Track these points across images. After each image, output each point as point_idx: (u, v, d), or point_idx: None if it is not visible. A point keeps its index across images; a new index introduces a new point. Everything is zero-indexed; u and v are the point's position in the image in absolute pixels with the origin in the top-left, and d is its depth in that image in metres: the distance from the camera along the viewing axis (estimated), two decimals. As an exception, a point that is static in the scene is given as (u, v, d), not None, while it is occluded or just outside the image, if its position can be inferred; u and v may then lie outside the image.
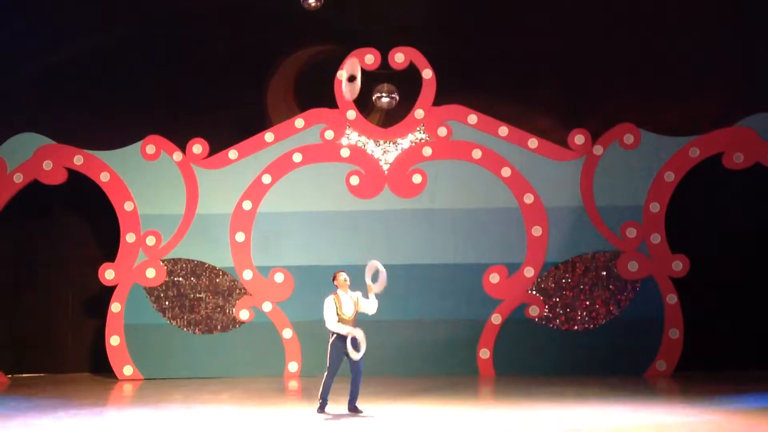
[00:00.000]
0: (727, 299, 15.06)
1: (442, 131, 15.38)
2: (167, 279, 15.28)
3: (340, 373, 11.09)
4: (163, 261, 15.32)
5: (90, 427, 10.57)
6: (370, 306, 11.19)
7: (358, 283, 11.33)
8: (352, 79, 13.80)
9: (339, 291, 11.13)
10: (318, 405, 11.06)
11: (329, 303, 11.04)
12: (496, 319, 15.02)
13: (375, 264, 11.25)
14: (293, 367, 15.19)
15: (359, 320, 11.19)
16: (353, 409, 11.08)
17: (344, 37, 15.59)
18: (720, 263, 15.02)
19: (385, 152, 15.42)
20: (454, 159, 15.34)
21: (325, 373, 11.04)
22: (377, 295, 11.22)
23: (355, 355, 10.89)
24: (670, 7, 15.06)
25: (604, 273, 14.95)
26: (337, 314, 10.99)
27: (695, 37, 14.98)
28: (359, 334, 10.98)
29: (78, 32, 15.48)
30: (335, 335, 11.02)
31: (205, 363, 15.19)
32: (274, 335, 15.23)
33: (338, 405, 11.26)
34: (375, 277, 11.23)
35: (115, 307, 15.20)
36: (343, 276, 11.18)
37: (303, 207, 15.39)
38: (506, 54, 15.42)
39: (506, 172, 15.23)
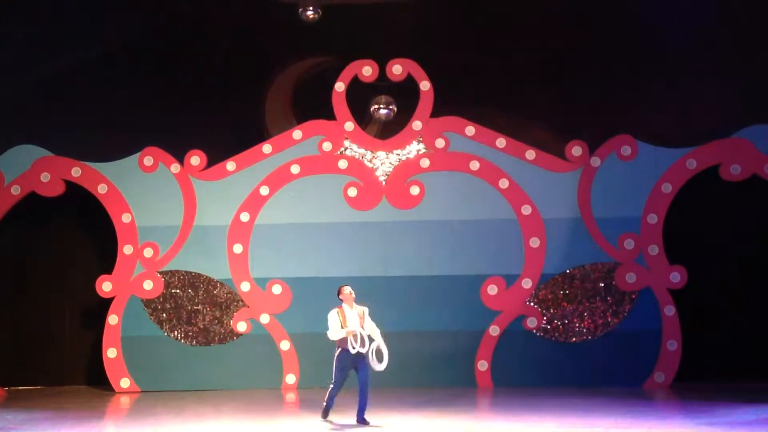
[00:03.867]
0: (725, 311, 15.06)
1: (440, 143, 15.40)
2: (164, 291, 15.25)
3: (346, 385, 11.23)
4: (160, 273, 15.29)
5: (87, 440, 10.54)
6: (374, 332, 11.11)
7: (361, 298, 11.42)
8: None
9: (344, 305, 11.11)
10: (323, 409, 11.21)
11: (333, 316, 11.06)
12: (494, 330, 15.00)
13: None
14: (291, 379, 15.15)
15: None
16: (362, 421, 11.06)
17: (342, 49, 15.62)
18: (718, 275, 15.02)
19: (383, 164, 15.44)
20: (452, 170, 15.35)
21: (331, 386, 11.10)
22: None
23: (379, 366, 10.91)
24: (668, 19, 15.09)
25: (602, 284, 14.94)
26: (342, 328, 10.98)
27: (693, 49, 15.01)
28: (362, 334, 10.92)
29: (76, 44, 15.50)
30: (340, 349, 11.01)
31: (203, 375, 15.15)
32: (271, 347, 15.19)
33: (343, 416, 11.33)
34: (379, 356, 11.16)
35: (112, 319, 15.17)
36: (347, 290, 11.14)
37: (301, 218, 15.38)
38: (504, 66, 15.46)
39: (504, 183, 15.24)
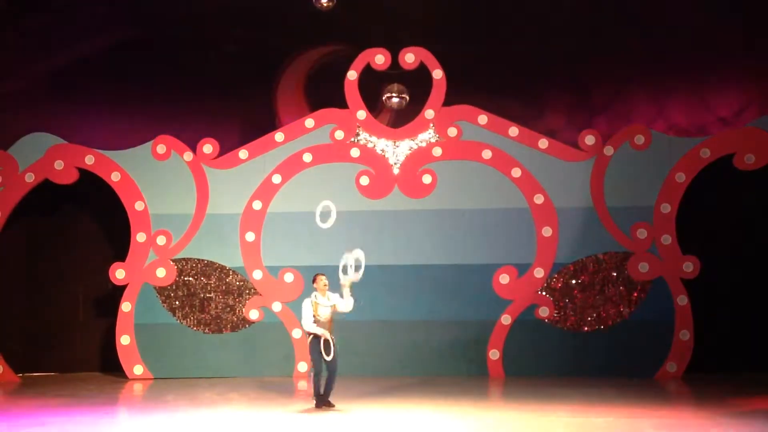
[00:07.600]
0: (737, 301, 15.00)
1: (453, 131, 15.37)
2: (177, 278, 15.31)
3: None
4: (173, 260, 15.35)
5: (100, 427, 10.59)
6: (345, 305, 11.55)
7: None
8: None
9: (317, 294, 11.52)
10: (314, 402, 11.50)
11: (307, 305, 11.48)
12: (506, 320, 15.00)
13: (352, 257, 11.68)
14: (303, 367, 15.20)
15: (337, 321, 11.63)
16: (327, 403, 11.43)
17: (355, 37, 15.61)
18: (731, 265, 14.96)
19: (396, 151, 15.42)
20: (464, 159, 15.33)
21: (311, 373, 11.48)
22: (352, 292, 11.57)
23: (327, 357, 11.29)
24: (680, 7, 15.01)
25: (615, 274, 14.90)
26: (314, 316, 11.40)
27: (706, 37, 14.94)
28: (330, 338, 11.36)
29: (89, 32, 15.54)
30: (311, 335, 11.43)
31: (215, 363, 15.22)
32: (283, 335, 15.25)
33: (339, 403, 11.53)
34: (345, 270, 11.60)
35: (125, 306, 15.24)
36: (323, 281, 11.61)
37: (313, 207, 15.36)
38: (516, 54, 15.42)
39: (516, 172, 15.21)
